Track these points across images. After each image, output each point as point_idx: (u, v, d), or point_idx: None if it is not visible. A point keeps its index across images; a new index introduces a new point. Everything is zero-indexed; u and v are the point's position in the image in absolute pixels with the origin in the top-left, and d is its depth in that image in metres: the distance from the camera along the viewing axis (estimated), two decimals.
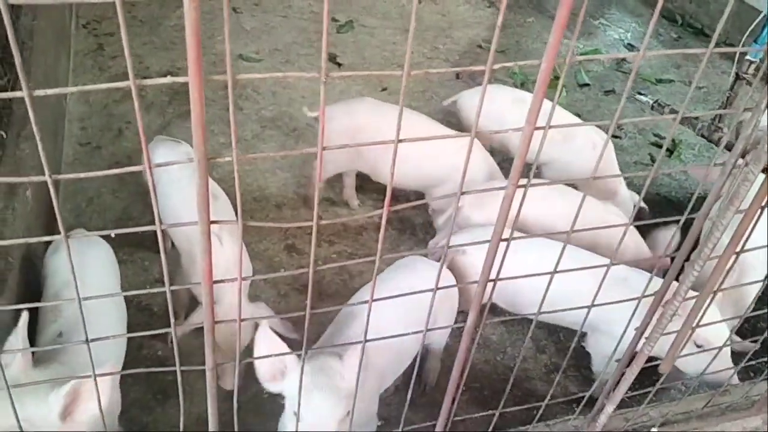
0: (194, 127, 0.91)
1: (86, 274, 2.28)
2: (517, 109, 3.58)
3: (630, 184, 3.80)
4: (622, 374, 1.89)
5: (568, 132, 3.66)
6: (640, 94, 5.18)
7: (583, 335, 2.93)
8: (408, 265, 2.63)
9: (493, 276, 1.40)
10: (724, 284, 1.69)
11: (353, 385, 1.71)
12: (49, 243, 2.58)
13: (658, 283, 1.79)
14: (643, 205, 3.58)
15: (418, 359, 1.74)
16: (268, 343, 1.82)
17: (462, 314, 2.64)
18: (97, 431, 1.51)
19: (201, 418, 2.11)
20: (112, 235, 1.09)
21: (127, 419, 2.42)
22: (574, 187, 3.54)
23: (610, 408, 1.97)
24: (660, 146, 4.64)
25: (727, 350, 2.53)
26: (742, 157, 1.42)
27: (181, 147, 2.98)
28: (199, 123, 0.91)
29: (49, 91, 0.85)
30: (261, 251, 3.46)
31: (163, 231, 1.05)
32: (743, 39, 4.42)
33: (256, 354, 1.83)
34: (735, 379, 2.50)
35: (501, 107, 3.64)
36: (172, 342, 2.89)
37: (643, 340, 1.81)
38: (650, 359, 1.82)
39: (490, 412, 1.88)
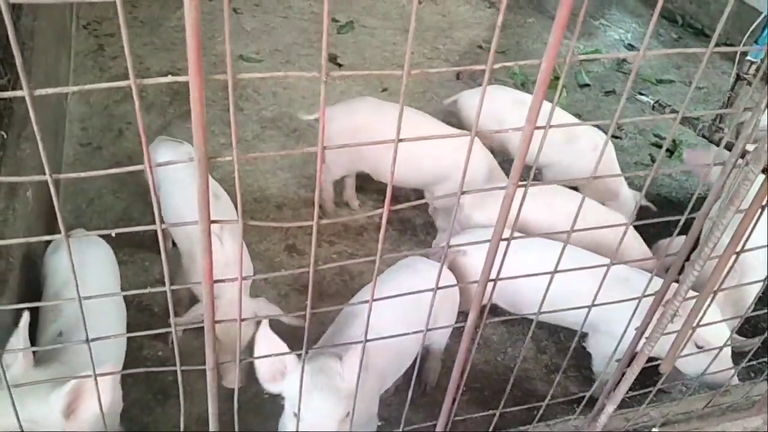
0: (195, 127, 0.91)
1: (86, 273, 2.29)
2: (517, 110, 3.58)
3: (631, 185, 3.81)
4: (623, 374, 1.89)
5: (570, 134, 3.67)
6: (641, 94, 5.18)
7: (584, 335, 2.93)
8: (409, 266, 2.63)
9: (493, 276, 1.40)
10: (725, 285, 1.69)
11: (353, 385, 1.71)
12: (49, 243, 2.59)
13: (658, 283, 1.79)
14: (647, 203, 3.59)
15: (418, 359, 1.75)
16: (268, 343, 1.82)
17: (462, 314, 2.64)
18: (99, 431, 1.51)
19: (201, 418, 2.11)
20: (113, 235, 1.09)
21: (127, 419, 2.42)
22: (576, 189, 3.54)
23: (610, 408, 1.97)
24: (661, 147, 4.65)
25: (728, 351, 2.53)
26: (742, 157, 1.42)
27: (183, 147, 2.99)
28: (199, 122, 0.91)
29: (50, 90, 0.85)
30: (261, 251, 3.46)
31: (163, 230, 1.05)
32: (744, 39, 4.43)
33: (256, 354, 1.83)
34: (735, 380, 2.50)
35: (501, 108, 3.65)
36: (172, 342, 2.90)
37: (643, 340, 1.81)
38: (651, 359, 1.82)
39: (491, 412, 1.88)
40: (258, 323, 1.84)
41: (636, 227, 3.29)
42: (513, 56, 5.53)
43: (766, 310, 2.06)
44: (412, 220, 3.81)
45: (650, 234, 3.25)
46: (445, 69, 1.00)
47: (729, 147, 1.63)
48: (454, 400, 1.69)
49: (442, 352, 2.85)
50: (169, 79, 0.89)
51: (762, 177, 1.40)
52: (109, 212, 3.56)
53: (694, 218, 1.62)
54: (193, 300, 2.79)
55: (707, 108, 5.17)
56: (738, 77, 3.61)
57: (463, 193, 1.23)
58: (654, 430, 2.15)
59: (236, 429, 1.52)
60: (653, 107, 4.55)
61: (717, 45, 1.15)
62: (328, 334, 2.33)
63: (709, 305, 1.70)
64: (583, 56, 1.67)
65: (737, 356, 2.63)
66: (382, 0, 6.02)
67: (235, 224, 1.08)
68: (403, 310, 2.14)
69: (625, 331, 1.82)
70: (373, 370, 2.10)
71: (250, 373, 1.94)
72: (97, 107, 4.25)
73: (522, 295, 2.70)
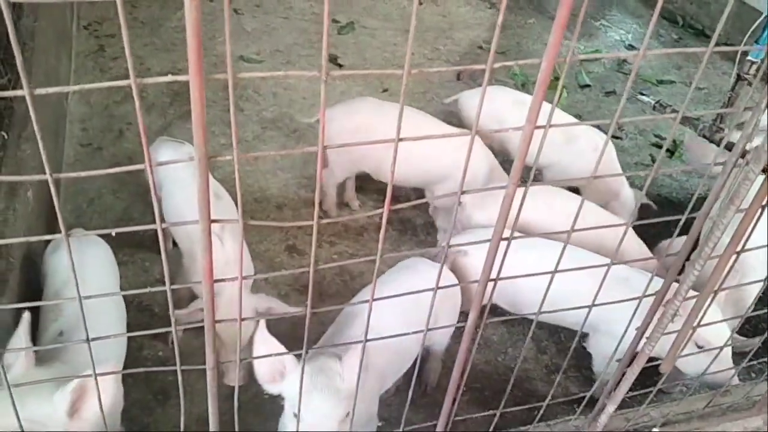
0: (195, 127, 0.91)
1: (85, 273, 2.29)
2: (518, 110, 3.59)
3: (631, 185, 3.81)
4: (623, 374, 1.89)
5: (570, 134, 3.67)
6: (642, 94, 5.18)
7: (584, 336, 2.93)
8: (410, 266, 2.63)
9: (493, 276, 1.40)
10: (726, 285, 1.69)
11: (353, 385, 1.71)
12: (49, 242, 2.59)
13: (659, 283, 1.79)
14: (648, 201, 3.59)
15: (418, 360, 1.75)
16: (265, 345, 1.82)
17: (463, 315, 2.64)
18: (101, 430, 1.51)
19: (201, 418, 2.11)
20: (113, 234, 1.09)
21: (128, 419, 2.42)
22: (577, 191, 3.55)
23: (611, 408, 1.97)
24: (661, 147, 4.65)
25: (728, 351, 2.53)
26: (742, 156, 1.42)
27: (184, 147, 2.99)
28: (199, 122, 0.91)
29: (50, 90, 0.85)
30: (262, 252, 3.46)
31: (164, 230, 1.05)
32: (744, 39, 4.42)
33: (254, 356, 1.83)
34: (735, 380, 2.50)
35: (501, 108, 3.65)
36: (172, 342, 2.90)
37: (643, 340, 1.81)
38: (651, 359, 1.82)
39: (491, 412, 1.88)
40: (258, 320, 1.84)
41: (636, 227, 3.29)
42: (513, 57, 5.54)
43: (766, 310, 2.06)
44: (413, 220, 3.81)
45: (650, 234, 3.25)
46: (445, 68, 1.00)
47: (729, 147, 1.63)
48: (454, 400, 1.69)
49: (443, 353, 2.85)
50: (170, 78, 0.89)
51: (762, 177, 1.40)
52: (110, 212, 3.56)
53: (694, 218, 1.62)
54: (194, 299, 2.79)
55: (708, 108, 5.17)
56: (738, 77, 3.60)
57: (463, 192, 1.23)
58: (654, 430, 2.15)
59: (236, 429, 1.52)
60: (654, 107, 4.55)
61: (717, 45, 1.15)
62: (328, 335, 2.33)
63: (709, 305, 1.70)
64: (584, 56, 1.68)
65: (737, 356, 2.63)
66: (382, 1, 6.02)
67: (236, 224, 1.08)
68: (403, 310, 2.14)
69: (625, 332, 1.82)
70: (373, 370, 2.10)
71: (250, 372, 1.94)
72: (97, 108, 4.26)
73: (522, 295, 2.71)
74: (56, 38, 4.11)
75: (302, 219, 3.66)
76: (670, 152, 4.58)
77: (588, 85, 5.26)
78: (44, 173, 0.93)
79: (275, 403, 2.02)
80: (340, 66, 5.07)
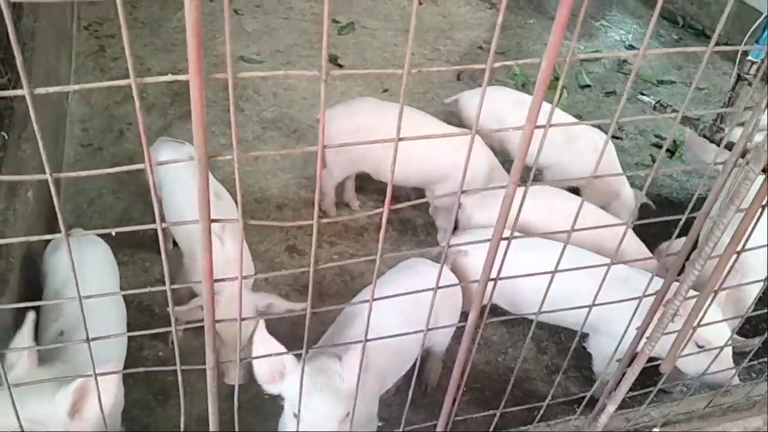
0: (195, 126, 0.91)
1: (85, 273, 2.29)
2: (518, 111, 3.59)
3: (631, 185, 3.81)
4: (623, 374, 1.89)
5: (570, 135, 3.67)
6: (642, 94, 5.18)
7: (584, 336, 2.93)
8: (411, 267, 2.63)
9: (493, 276, 1.40)
10: (726, 285, 1.69)
11: (353, 385, 1.71)
12: (49, 242, 2.59)
13: (659, 283, 1.79)
14: (647, 200, 3.59)
15: (418, 360, 1.75)
16: (265, 345, 1.83)
17: (463, 315, 2.64)
18: (101, 431, 1.51)
19: (201, 418, 2.11)
20: (113, 234, 1.09)
21: (128, 419, 2.43)
22: (577, 192, 3.55)
23: (611, 408, 1.97)
24: (662, 147, 4.65)
25: (728, 351, 2.53)
26: (743, 156, 1.42)
27: (185, 148, 2.99)
28: (199, 121, 0.91)
29: (50, 89, 0.85)
30: (262, 252, 3.46)
31: (164, 230, 1.05)
32: (744, 40, 4.42)
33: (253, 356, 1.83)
34: (736, 380, 2.50)
35: (502, 108, 3.65)
36: (172, 342, 2.90)
37: (644, 340, 1.81)
38: (651, 359, 1.82)
39: (491, 412, 1.88)
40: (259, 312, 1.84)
41: (636, 228, 3.29)
42: (513, 57, 5.54)
43: (766, 310, 2.06)
44: (413, 220, 3.81)
45: (650, 235, 3.25)
46: (445, 68, 1.00)
47: (730, 147, 1.63)
48: (454, 400, 1.69)
49: (443, 353, 2.85)
50: (170, 77, 0.89)
51: (762, 176, 1.40)
52: (110, 212, 3.56)
53: (694, 218, 1.62)
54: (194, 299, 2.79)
55: (708, 109, 5.17)
56: (739, 77, 3.61)
57: (463, 192, 1.23)
58: (655, 430, 2.15)
59: (236, 429, 1.52)
60: (654, 107, 4.55)
61: (718, 45, 1.15)
62: (328, 335, 2.33)
63: (709, 305, 1.70)
64: (584, 55, 1.69)
65: (738, 356, 2.63)
66: (383, 1, 6.02)
67: (236, 224, 1.08)
68: (403, 311, 2.14)
69: (625, 331, 1.82)
70: (373, 370, 2.10)
71: (251, 372, 1.94)
72: (97, 108, 4.26)
73: (522, 296, 2.71)
74: (56, 38, 4.12)
75: (302, 219, 3.65)
76: (671, 152, 4.58)
77: (588, 86, 5.26)
78: (44, 173, 0.93)
79: (275, 403, 2.02)
80: (341, 66, 5.07)
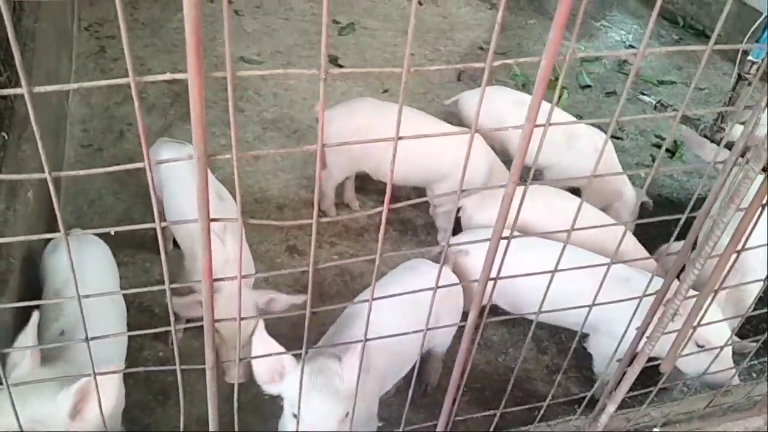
0: (194, 124, 0.91)
1: (85, 273, 2.29)
2: (518, 111, 3.58)
3: (632, 185, 3.81)
4: (624, 374, 1.88)
5: (570, 136, 3.67)
6: (643, 94, 5.18)
7: (584, 336, 2.93)
8: (412, 267, 2.63)
9: (493, 275, 1.39)
10: (726, 285, 1.69)
11: (352, 386, 1.71)
12: (49, 243, 2.59)
13: (659, 283, 1.79)
14: (646, 198, 3.59)
15: (418, 360, 1.74)
16: (264, 346, 1.82)
17: (464, 315, 2.64)
18: (102, 431, 1.51)
19: (201, 419, 2.11)
20: (112, 233, 1.08)
21: (128, 420, 2.43)
22: (579, 193, 3.54)
23: (611, 408, 1.97)
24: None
25: (728, 351, 2.53)
26: (742, 155, 1.42)
27: (185, 149, 2.99)
28: (198, 120, 0.91)
29: (49, 88, 0.85)
30: (262, 253, 3.46)
31: (164, 231, 1.05)
32: (744, 40, 4.43)
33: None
34: (736, 380, 2.49)
35: (502, 108, 3.65)
36: (172, 342, 2.90)
37: (644, 340, 1.81)
38: (651, 359, 1.82)
39: (492, 412, 1.88)
40: (258, 313, 1.83)
41: (637, 228, 3.29)
42: (514, 57, 5.51)
43: (766, 310, 2.06)
44: (413, 220, 3.81)
45: (651, 236, 3.25)
46: (444, 67, 1.00)
47: (730, 147, 1.63)
48: (454, 400, 1.69)
49: (444, 354, 2.84)
50: (169, 76, 0.89)
51: (762, 176, 1.39)
52: (110, 213, 3.56)
53: (695, 218, 1.62)
54: None
55: (709, 109, 5.17)
56: (739, 77, 3.61)
57: (463, 191, 1.23)
58: (655, 430, 2.14)
59: (236, 429, 1.52)
60: (655, 107, 4.55)
61: (718, 45, 1.15)
62: (328, 335, 2.33)
63: (709, 304, 1.70)
64: (583, 54, 1.69)
65: (738, 357, 2.62)
66: (383, 2, 6.03)
67: (238, 224, 1.08)
68: (405, 313, 2.13)
69: (625, 331, 1.82)
70: (373, 371, 2.10)
71: (251, 371, 1.94)
72: (98, 109, 4.26)
73: (523, 296, 2.70)
74: (57, 39, 4.12)
75: (302, 219, 3.66)
76: (671, 152, 4.58)
77: (589, 86, 5.26)
78: (44, 173, 0.93)
79: (275, 404, 2.02)
80: (341, 66, 5.07)
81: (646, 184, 1.55)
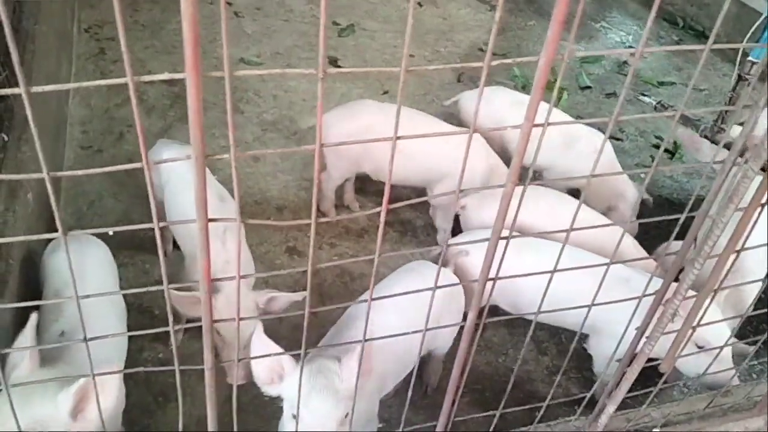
0: (192, 124, 0.91)
1: (85, 274, 2.29)
2: (516, 111, 3.58)
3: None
4: (623, 374, 1.88)
5: (570, 137, 3.66)
6: (643, 95, 5.18)
7: (584, 337, 2.93)
8: (414, 269, 2.62)
9: (492, 275, 1.39)
10: (725, 285, 1.69)
11: (352, 386, 1.71)
12: (48, 243, 2.59)
13: (658, 283, 1.79)
14: (647, 196, 3.58)
15: (417, 361, 1.74)
16: (262, 347, 1.82)
17: (464, 316, 2.63)
18: (103, 431, 1.51)
19: (201, 421, 2.11)
20: (110, 234, 1.08)
21: (127, 421, 2.42)
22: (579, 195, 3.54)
23: (611, 408, 1.96)
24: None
25: (728, 351, 2.52)
26: (741, 155, 1.42)
27: (185, 150, 2.99)
28: (196, 119, 0.91)
29: (47, 88, 0.85)
30: (262, 254, 3.46)
31: (164, 231, 1.05)
32: (744, 40, 4.43)
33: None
34: (736, 380, 2.49)
35: (501, 109, 3.65)
36: (172, 343, 2.90)
37: (643, 340, 1.81)
38: (651, 359, 1.82)
39: (491, 412, 1.88)
40: (258, 313, 1.83)
41: (636, 228, 3.29)
42: (513, 59, 5.53)
43: (766, 310, 2.06)
44: (413, 221, 3.81)
45: (650, 236, 3.25)
46: (442, 66, 1.00)
47: (729, 147, 1.63)
48: (454, 400, 1.69)
49: (444, 355, 2.84)
50: (166, 75, 0.89)
51: (761, 175, 1.39)
52: (110, 215, 3.56)
53: (694, 218, 1.62)
54: None
55: (708, 109, 5.17)
56: (739, 78, 3.61)
57: (462, 191, 1.23)
58: (655, 430, 2.14)
59: (236, 430, 1.52)
60: (655, 108, 4.55)
61: (717, 44, 1.15)
62: (328, 337, 2.33)
63: (709, 305, 1.70)
64: (582, 53, 1.69)
65: (737, 357, 2.62)
66: (382, 3, 6.03)
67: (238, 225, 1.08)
68: (407, 316, 2.13)
69: (625, 332, 1.82)
70: (374, 372, 2.10)
71: (251, 371, 1.94)
72: (97, 110, 4.26)
73: (523, 296, 2.70)
74: (57, 41, 4.12)
75: (302, 221, 3.66)
76: (671, 153, 4.58)
77: (588, 87, 5.26)
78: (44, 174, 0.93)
79: (275, 405, 2.02)
80: (340, 68, 5.07)
81: (646, 182, 1.55)
